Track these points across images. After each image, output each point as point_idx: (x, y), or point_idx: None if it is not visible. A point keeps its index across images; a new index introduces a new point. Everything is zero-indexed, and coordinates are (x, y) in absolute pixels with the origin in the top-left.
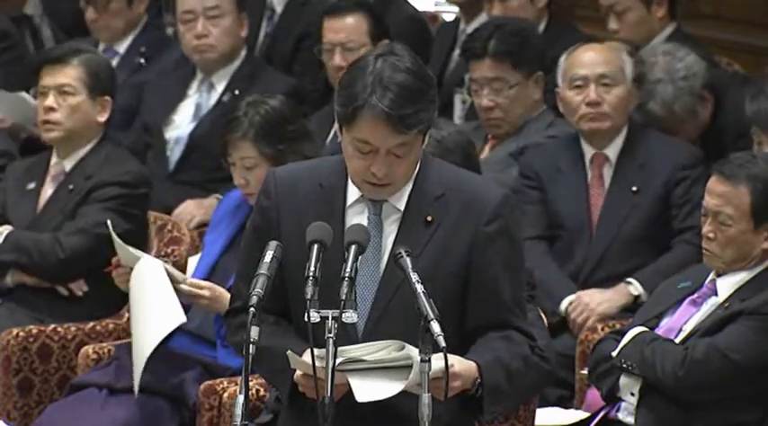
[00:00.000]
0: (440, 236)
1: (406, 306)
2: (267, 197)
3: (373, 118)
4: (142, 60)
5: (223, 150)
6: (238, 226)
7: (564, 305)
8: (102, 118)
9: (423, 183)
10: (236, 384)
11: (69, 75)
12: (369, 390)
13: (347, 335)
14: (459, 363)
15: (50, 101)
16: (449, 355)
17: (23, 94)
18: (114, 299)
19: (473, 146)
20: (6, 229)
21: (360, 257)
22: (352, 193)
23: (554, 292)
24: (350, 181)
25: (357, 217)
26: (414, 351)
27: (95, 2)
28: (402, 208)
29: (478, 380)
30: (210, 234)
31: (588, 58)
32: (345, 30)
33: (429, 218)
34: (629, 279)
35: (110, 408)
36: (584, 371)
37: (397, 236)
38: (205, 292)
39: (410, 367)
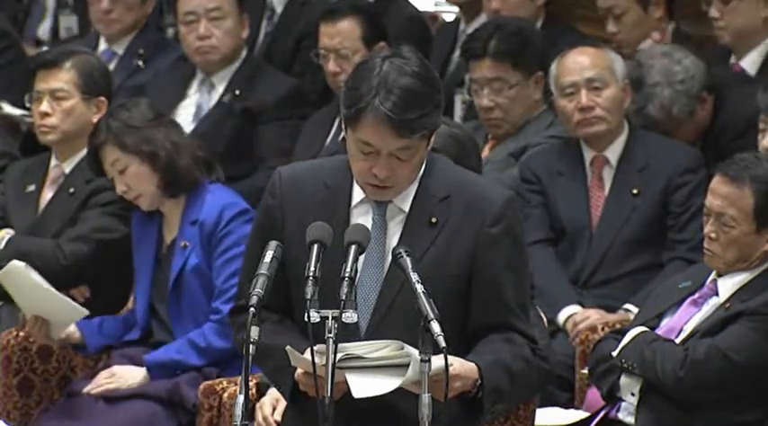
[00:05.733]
0: (444, 237)
1: (409, 307)
2: (272, 196)
3: (375, 120)
4: (140, 62)
5: (97, 166)
6: (155, 242)
7: (562, 317)
8: (98, 118)
9: (427, 184)
10: (236, 384)
11: (62, 78)
12: (365, 386)
13: (350, 336)
14: (459, 364)
15: (45, 106)
16: (449, 356)
17: None
18: (115, 302)
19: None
20: (7, 234)
21: (364, 258)
22: (358, 194)
23: (553, 300)
24: (355, 181)
25: (362, 217)
26: (413, 351)
27: None
28: (407, 209)
29: (479, 381)
30: (136, 256)
31: (575, 64)
32: (339, 35)
33: (433, 220)
34: (627, 306)
35: (105, 415)
36: (585, 371)
37: (401, 237)
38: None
39: (408, 365)
